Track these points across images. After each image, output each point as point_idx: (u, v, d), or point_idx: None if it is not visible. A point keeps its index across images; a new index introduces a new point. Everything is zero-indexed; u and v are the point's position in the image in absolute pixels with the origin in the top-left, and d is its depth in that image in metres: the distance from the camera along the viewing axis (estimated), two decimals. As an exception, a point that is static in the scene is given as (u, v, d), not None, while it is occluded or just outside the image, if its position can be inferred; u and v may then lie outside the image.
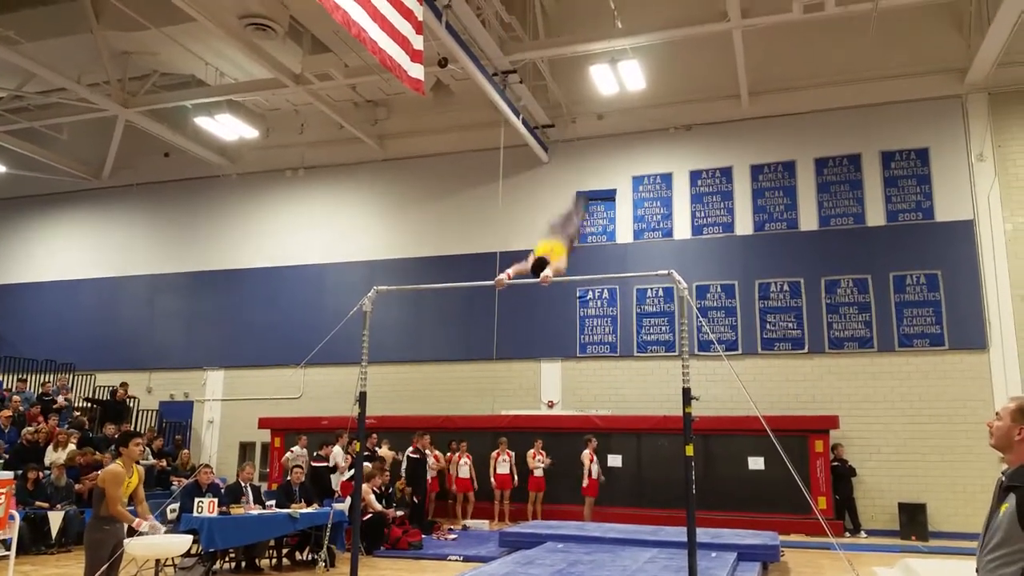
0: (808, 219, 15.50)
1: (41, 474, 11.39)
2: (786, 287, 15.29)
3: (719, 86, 15.91)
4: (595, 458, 13.57)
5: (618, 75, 14.33)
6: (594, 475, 13.46)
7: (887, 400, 14.21)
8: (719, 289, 15.64)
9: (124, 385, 16.70)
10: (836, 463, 13.62)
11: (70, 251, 20.64)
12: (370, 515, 10.65)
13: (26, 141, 18.43)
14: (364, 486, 10.03)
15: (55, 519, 10.72)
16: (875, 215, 15.12)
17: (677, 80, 16.12)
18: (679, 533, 9.51)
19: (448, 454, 14.44)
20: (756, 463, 13.66)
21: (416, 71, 10.73)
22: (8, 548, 7.74)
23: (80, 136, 19.34)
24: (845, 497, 13.57)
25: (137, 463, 6.94)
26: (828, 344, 14.82)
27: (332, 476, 12.57)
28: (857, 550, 11.34)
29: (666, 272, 6.94)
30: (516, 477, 14.18)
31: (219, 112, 16.57)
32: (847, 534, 13.19)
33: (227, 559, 9.44)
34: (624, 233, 16.54)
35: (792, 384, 14.67)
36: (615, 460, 14.40)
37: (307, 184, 19.06)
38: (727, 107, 16.08)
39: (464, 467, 14.34)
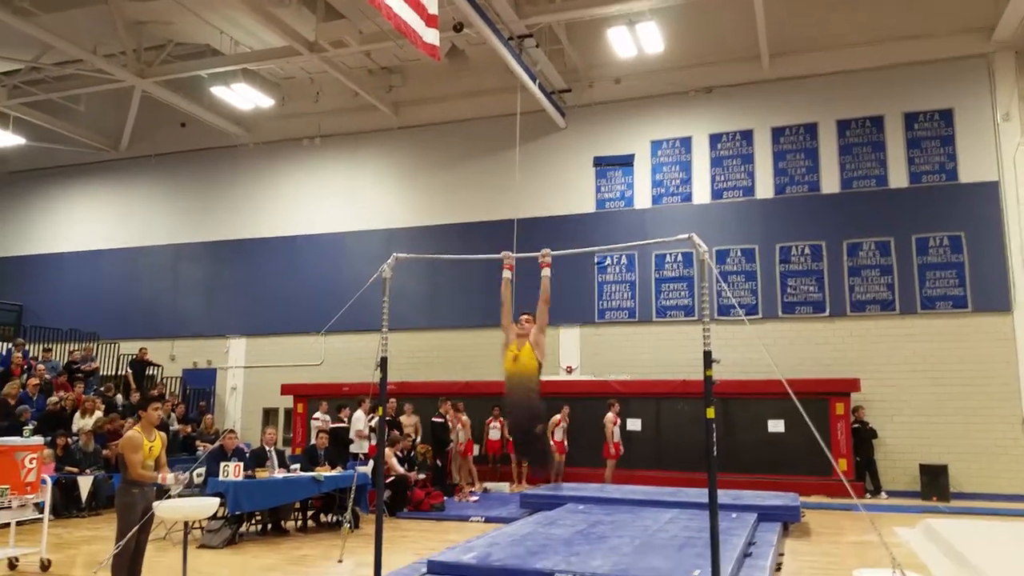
0: (830, 182, 15.32)
1: (69, 440, 11.61)
2: (807, 250, 15.16)
3: (739, 48, 15.66)
4: (618, 421, 13.62)
5: (636, 37, 14.13)
6: (616, 438, 13.52)
7: (909, 363, 14.13)
8: (739, 253, 15.54)
9: (143, 350, 16.92)
10: (857, 425, 13.61)
11: (91, 222, 20.82)
12: (392, 478, 10.78)
13: (44, 113, 18.52)
14: (387, 450, 10.14)
15: (84, 484, 10.95)
16: (898, 177, 14.92)
17: (696, 42, 15.88)
18: (699, 494, 9.56)
19: (488, 419, 14.50)
20: (776, 426, 13.68)
21: (431, 36, 10.62)
22: (41, 511, 7.90)
23: (97, 107, 19.40)
24: (866, 459, 13.58)
25: (165, 428, 7.05)
26: (850, 307, 14.72)
27: (353, 436, 12.78)
28: (878, 510, 11.36)
29: (686, 236, 6.87)
30: (535, 441, 14.25)
31: (235, 81, 16.52)
32: (868, 495, 13.23)
33: (253, 522, 9.61)
34: (642, 198, 16.43)
35: (813, 347, 14.61)
36: (635, 424, 14.48)
37: (324, 152, 19.05)
38: (747, 69, 15.84)
39: (495, 430, 14.49)
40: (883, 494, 13.37)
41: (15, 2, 13.94)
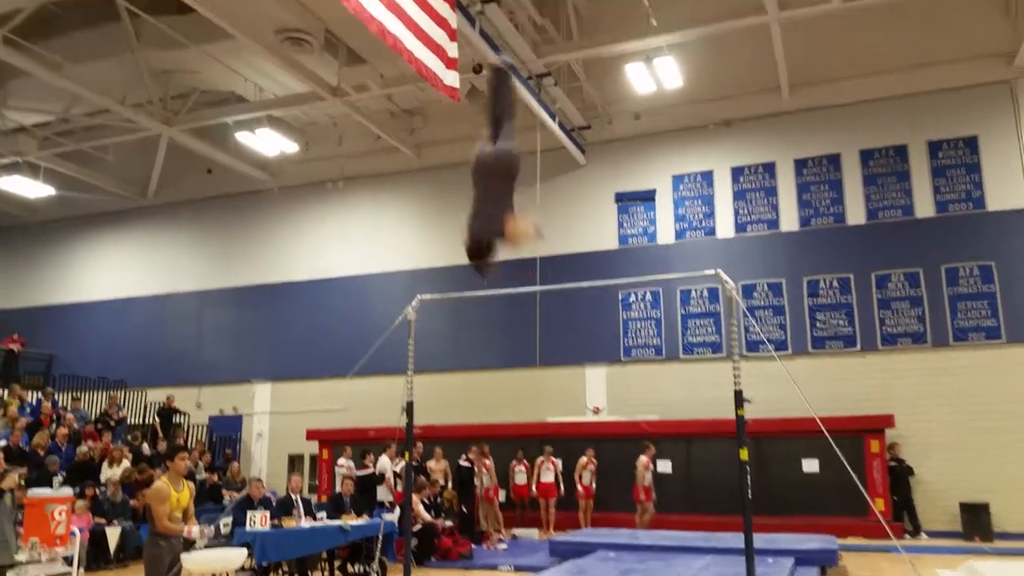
0: (855, 213, 15.16)
1: (98, 490, 11.61)
2: (835, 283, 14.96)
3: (758, 80, 15.64)
4: (651, 466, 13.17)
5: (654, 73, 14.17)
6: (647, 482, 13.09)
7: (944, 396, 13.79)
8: (766, 287, 15.37)
9: (170, 398, 17.02)
10: (893, 463, 13.27)
11: (119, 270, 21.09)
12: (420, 526, 10.64)
13: (73, 163, 18.89)
14: (413, 496, 10.02)
15: (113, 535, 10.91)
16: (924, 206, 14.74)
17: (715, 75, 15.88)
18: (734, 539, 9.31)
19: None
20: (811, 465, 13.36)
21: (451, 78, 10.74)
22: (71, 564, 7.88)
23: (125, 156, 19.72)
24: (904, 498, 13.22)
25: (190, 478, 7.01)
26: (881, 340, 14.46)
27: (378, 487, 12.60)
28: (918, 552, 11.00)
29: (712, 272, 6.79)
30: (562, 486, 14.06)
31: (259, 127, 16.78)
32: (907, 536, 12.84)
33: (281, 572, 9.50)
34: (666, 233, 16.35)
35: (845, 383, 14.31)
36: (665, 466, 14.13)
37: (347, 195, 19.21)
38: (767, 101, 15.81)
39: (521, 474, 14.30)
40: (923, 534, 12.98)
41: (46, 57, 14.29)
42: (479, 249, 4.89)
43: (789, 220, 15.59)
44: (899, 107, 15.10)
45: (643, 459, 13.08)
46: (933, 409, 13.76)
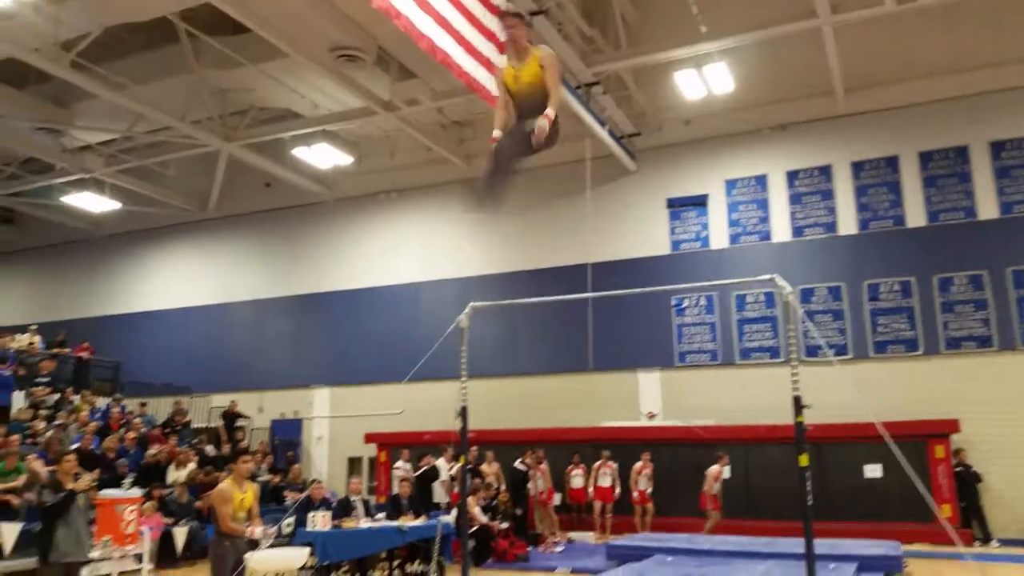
0: (915, 215, 14.84)
1: (165, 492, 11.99)
2: (896, 287, 14.64)
3: (812, 83, 15.42)
4: (721, 476, 12.85)
5: (704, 79, 14.11)
6: (715, 491, 12.81)
7: (1011, 401, 13.35)
8: (824, 291, 15.12)
9: (233, 403, 17.48)
10: (959, 468, 12.90)
11: (182, 280, 21.78)
12: (476, 527, 10.72)
13: (137, 178, 19.62)
14: (469, 499, 10.12)
15: (180, 534, 11.27)
16: (987, 208, 14.37)
17: (767, 80, 15.72)
18: (794, 545, 9.16)
19: (596, 464, 14.20)
20: (873, 471, 13.06)
21: (501, 90, 10.86)
22: (141, 561, 8.16)
23: (187, 171, 20.36)
24: (972, 504, 12.82)
25: (252, 479, 7.20)
26: (944, 344, 14.11)
27: (434, 485, 12.77)
28: (989, 560, 10.66)
29: (768, 277, 6.74)
30: (619, 489, 14.01)
31: (315, 142, 17.20)
32: (977, 543, 12.45)
33: (341, 571, 9.68)
34: (719, 238, 16.21)
35: (908, 387, 13.96)
36: (724, 471, 13.96)
37: (400, 206, 19.53)
38: (822, 104, 15.59)
39: (578, 478, 14.30)
40: (994, 542, 12.56)
41: (111, 78, 14.89)
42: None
43: (847, 223, 15.32)
44: (958, 108, 14.74)
45: (715, 469, 12.79)
46: (1000, 414, 13.32)
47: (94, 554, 7.51)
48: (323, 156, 17.74)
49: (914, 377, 14.11)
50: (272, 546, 7.77)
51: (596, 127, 14.98)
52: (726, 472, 13.12)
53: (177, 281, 21.86)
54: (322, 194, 20.19)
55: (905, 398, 13.75)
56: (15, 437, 10.91)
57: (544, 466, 13.74)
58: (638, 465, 13.80)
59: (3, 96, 15.91)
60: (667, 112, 16.75)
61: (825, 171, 15.64)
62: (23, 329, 17.97)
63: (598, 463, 14.16)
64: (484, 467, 13.52)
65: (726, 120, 16.25)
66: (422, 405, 17.14)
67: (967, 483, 12.85)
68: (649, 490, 13.78)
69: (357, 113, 16.58)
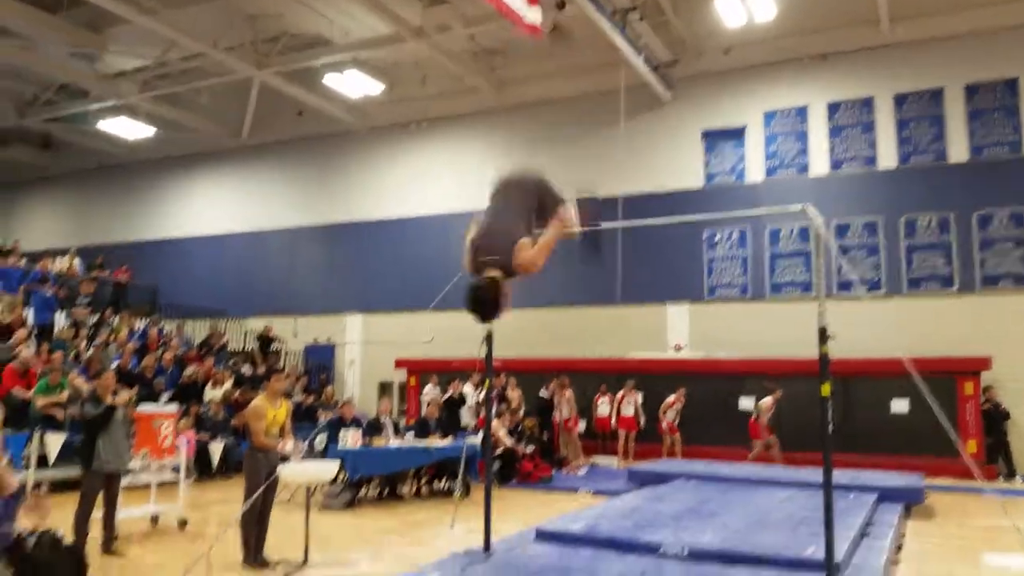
0: (958, 150, 14.43)
1: (201, 409, 12.39)
2: (934, 223, 14.34)
3: (856, 11, 14.88)
4: (773, 410, 12.94)
5: (745, 5, 13.67)
6: (765, 422, 12.93)
7: (1046, 340, 13.17)
8: (860, 227, 14.87)
9: (268, 327, 17.88)
10: (988, 406, 12.83)
11: (216, 207, 22.07)
12: (501, 450, 10.97)
13: (171, 105, 19.70)
14: (495, 422, 10.33)
15: (215, 449, 11.69)
16: (1035, 142, 13.88)
17: (810, 7, 15.15)
18: (816, 474, 9.19)
19: (620, 393, 14.41)
20: (900, 406, 13.04)
21: (533, 15, 10.67)
22: (178, 472, 8.49)
23: (220, 98, 20.38)
24: (998, 441, 12.80)
25: (288, 396, 7.39)
26: (980, 282, 13.87)
27: (462, 409, 13.03)
28: (1012, 495, 10.67)
29: (799, 207, 6.63)
30: (643, 419, 14.18)
31: (346, 68, 17.04)
32: (1001, 479, 12.47)
33: (371, 487, 10.00)
34: (755, 171, 15.94)
35: (940, 324, 13.80)
36: (748, 403, 14.03)
37: (430, 135, 19.42)
38: (866, 33, 15.05)
39: (604, 406, 14.51)
40: (1019, 478, 12.56)
41: (143, 2, 14.81)
42: (478, 266, 4.57)
43: (887, 157, 14.96)
44: (1008, 39, 14.16)
45: (768, 400, 12.94)
46: (1034, 353, 13.16)
47: (133, 465, 7.81)
48: (354, 84, 17.59)
49: (948, 314, 13.93)
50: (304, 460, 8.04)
51: (631, 55, 14.64)
52: (747, 403, 13.19)
53: (211, 208, 22.14)
54: (353, 123, 20.12)
55: (938, 335, 13.62)
56: (58, 354, 11.26)
57: (569, 393, 13.91)
58: (671, 398, 13.92)
59: (37, 20, 15.93)
60: (706, 40, 16.28)
61: (867, 103, 15.20)
62: (62, 252, 18.36)
63: (621, 392, 14.31)
64: (508, 392, 13.73)
65: (766, 49, 15.78)
66: (451, 333, 17.26)
67: (995, 420, 12.80)
68: (677, 421, 13.93)
69: (387, 40, 16.34)
